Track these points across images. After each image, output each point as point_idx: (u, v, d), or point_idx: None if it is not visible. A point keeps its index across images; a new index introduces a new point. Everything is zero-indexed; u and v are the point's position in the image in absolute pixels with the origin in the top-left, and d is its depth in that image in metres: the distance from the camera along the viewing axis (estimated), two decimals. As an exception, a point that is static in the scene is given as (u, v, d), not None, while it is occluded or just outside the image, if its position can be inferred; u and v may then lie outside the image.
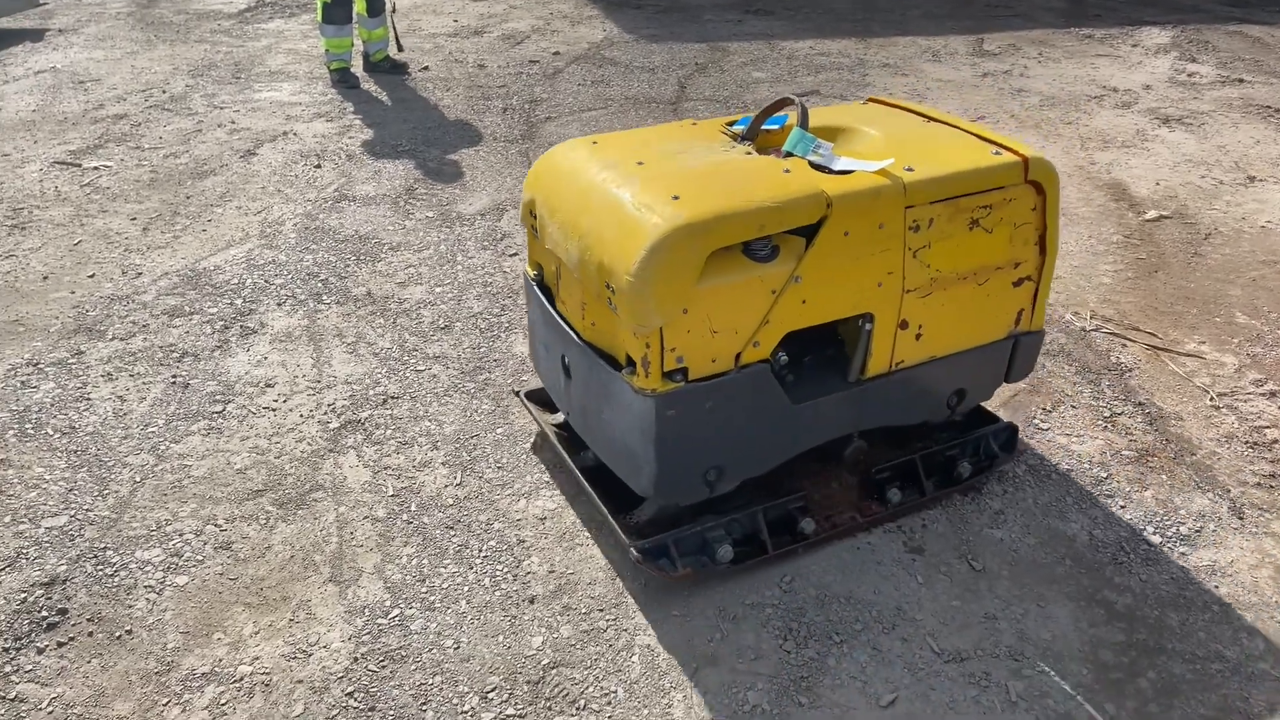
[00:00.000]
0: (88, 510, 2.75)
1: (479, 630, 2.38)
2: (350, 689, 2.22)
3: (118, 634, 2.37)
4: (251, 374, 3.38)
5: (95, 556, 2.59)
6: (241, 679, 2.25)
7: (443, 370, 3.41)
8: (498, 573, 2.55)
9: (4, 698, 2.20)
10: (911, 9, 8.55)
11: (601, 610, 2.43)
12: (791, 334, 2.26)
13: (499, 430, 3.09)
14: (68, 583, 2.51)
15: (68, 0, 8.49)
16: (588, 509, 2.71)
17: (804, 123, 2.37)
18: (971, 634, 2.37)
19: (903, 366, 2.45)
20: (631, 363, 2.19)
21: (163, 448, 3.01)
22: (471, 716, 2.16)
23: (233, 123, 5.76)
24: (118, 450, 3.00)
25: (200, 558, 2.60)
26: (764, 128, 2.51)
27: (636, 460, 2.30)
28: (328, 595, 2.48)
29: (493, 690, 2.22)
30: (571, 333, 2.43)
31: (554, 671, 2.27)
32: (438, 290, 3.93)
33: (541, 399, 2.99)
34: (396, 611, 2.43)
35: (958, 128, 2.57)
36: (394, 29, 6.71)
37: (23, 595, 2.47)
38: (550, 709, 2.18)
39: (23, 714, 2.16)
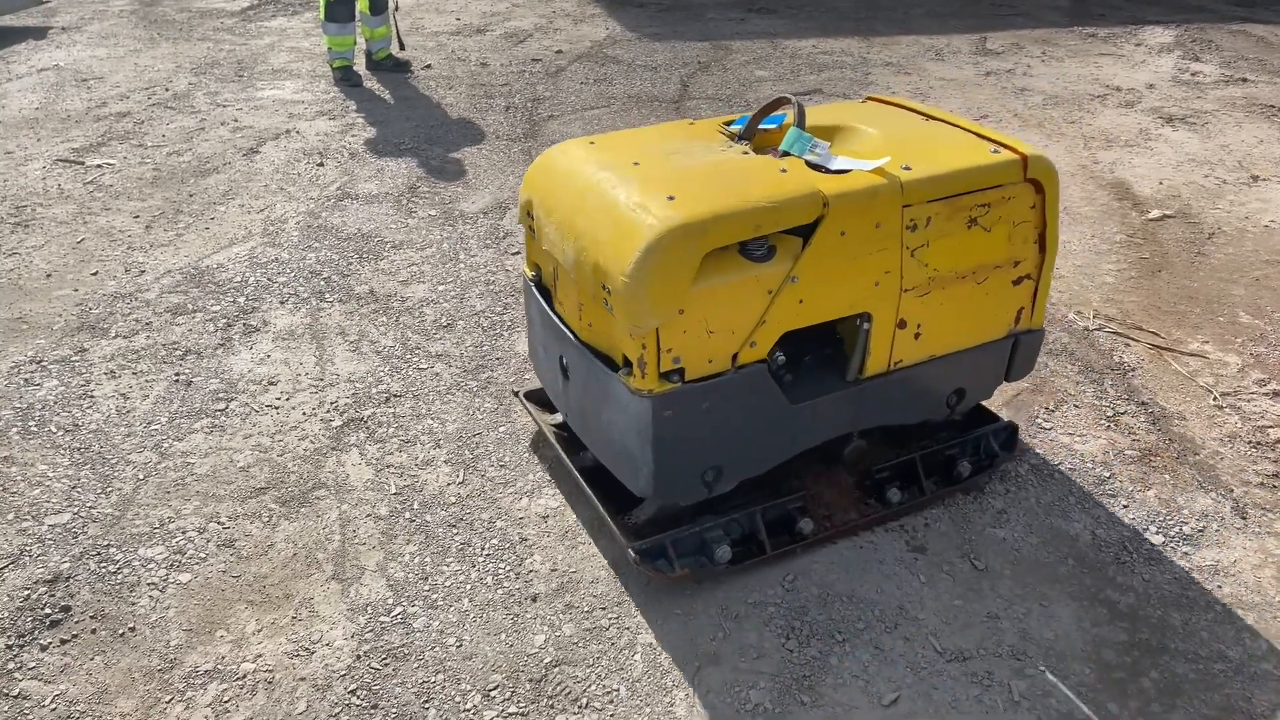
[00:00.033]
0: (91, 508, 2.76)
1: (481, 628, 2.38)
2: (353, 687, 2.23)
3: (121, 631, 2.37)
4: (254, 372, 3.38)
5: (98, 554, 2.60)
6: (244, 676, 2.26)
7: (445, 368, 3.41)
8: (500, 571, 2.55)
9: (7, 695, 2.20)
10: (914, 8, 8.54)
11: (604, 608, 2.43)
12: (790, 334, 2.26)
13: (501, 428, 3.09)
14: (71, 580, 2.51)
15: (71, -2, 8.50)
16: (588, 509, 2.71)
17: (801, 122, 2.36)
18: (974, 633, 2.37)
19: (901, 366, 2.45)
20: (628, 363, 2.19)
21: (166, 445, 3.01)
22: (474, 714, 2.16)
23: (235, 121, 5.76)
24: (121, 448, 3.00)
25: (203, 555, 2.60)
26: (761, 127, 2.50)
27: (634, 461, 2.29)
28: (330, 593, 2.48)
29: (495, 688, 2.22)
30: (569, 333, 2.43)
31: (556, 670, 2.27)
32: (440, 288, 3.93)
33: (541, 399, 2.98)
34: (399, 609, 2.43)
35: (956, 126, 2.56)
36: (396, 27, 6.71)
37: (26, 592, 2.47)
38: (553, 707, 2.18)
39: (26, 711, 2.17)
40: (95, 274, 4.04)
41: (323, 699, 2.20)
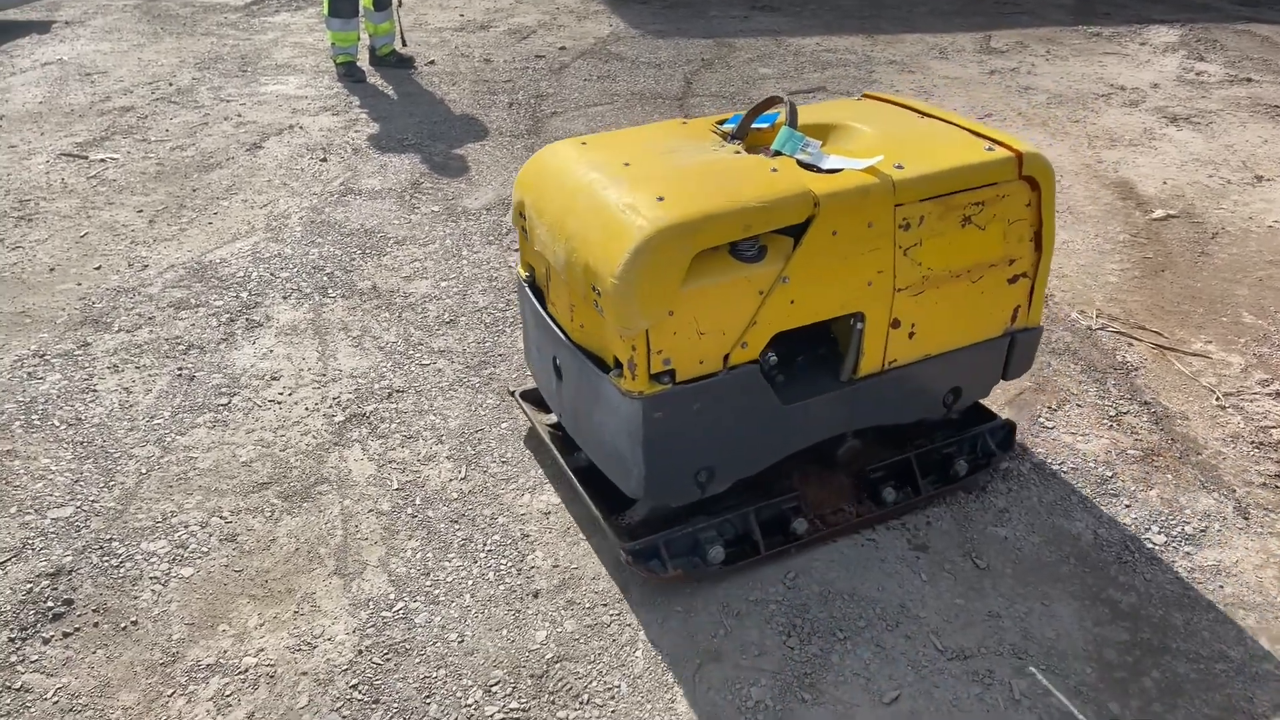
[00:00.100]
0: (94, 501, 2.76)
1: (483, 624, 2.38)
2: (354, 681, 2.23)
3: (123, 625, 2.38)
4: (257, 367, 3.39)
5: (101, 547, 2.60)
6: (246, 671, 2.26)
7: (448, 364, 3.41)
8: (502, 567, 2.55)
9: (10, 687, 2.21)
10: (919, 6, 8.53)
11: (605, 605, 2.44)
12: (783, 334, 2.25)
13: (504, 425, 3.09)
14: (73, 573, 2.52)
15: (75, -8, 8.50)
16: (585, 509, 2.71)
17: (792, 121, 2.35)
18: (975, 632, 2.37)
19: (896, 365, 2.43)
20: (619, 365, 2.18)
21: (168, 440, 3.02)
22: (475, 710, 2.17)
23: (239, 116, 5.76)
24: (124, 442, 3.00)
25: (205, 550, 2.60)
26: (754, 126, 2.48)
27: (625, 462, 2.29)
28: (332, 588, 2.49)
29: (496, 684, 2.23)
30: (561, 334, 2.42)
31: (558, 666, 2.27)
32: (443, 284, 3.93)
33: (537, 399, 2.98)
34: (401, 605, 2.43)
35: (952, 124, 2.55)
36: (400, 23, 6.70)
37: (29, 585, 2.48)
38: (554, 703, 2.18)
39: (28, 704, 2.17)
40: (98, 268, 4.04)
41: (324, 693, 2.20)
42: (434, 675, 2.25)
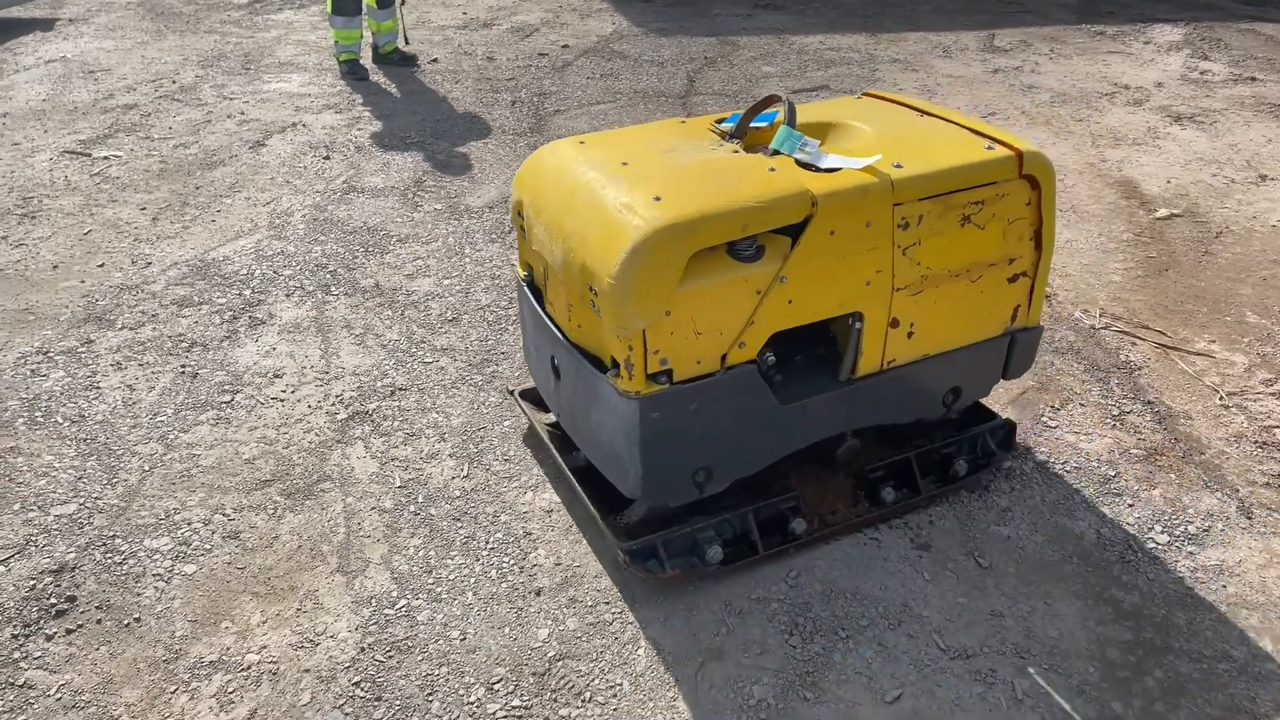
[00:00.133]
0: (97, 498, 2.77)
1: (485, 622, 2.38)
2: (357, 679, 2.23)
3: (126, 622, 2.38)
4: (260, 364, 3.39)
5: (104, 544, 2.60)
6: (249, 668, 2.26)
7: (450, 362, 3.41)
8: (504, 565, 2.55)
9: (13, 684, 2.21)
10: (922, 4, 8.51)
11: (608, 603, 2.44)
12: (782, 333, 2.24)
13: (506, 423, 3.09)
14: (76, 570, 2.52)
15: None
16: (583, 508, 2.71)
17: (791, 120, 2.34)
18: (978, 631, 2.36)
19: (895, 365, 2.43)
20: (616, 365, 2.17)
21: (171, 437, 3.02)
22: (477, 707, 2.17)
23: (242, 114, 5.77)
24: (127, 439, 3.01)
25: (208, 547, 2.61)
26: (753, 125, 2.47)
27: (623, 462, 2.28)
28: (335, 585, 2.49)
29: (499, 682, 2.23)
30: (559, 334, 2.42)
31: (560, 664, 2.28)
32: (446, 282, 3.93)
33: (536, 398, 2.97)
34: (403, 602, 2.44)
35: (952, 122, 2.54)
36: (402, 21, 6.70)
37: (32, 582, 2.48)
38: (556, 701, 2.18)
39: (31, 700, 2.18)
40: (102, 265, 4.05)
41: (327, 690, 2.20)
42: (436, 673, 2.25)
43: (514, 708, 2.17)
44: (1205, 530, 2.69)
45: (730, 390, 2.23)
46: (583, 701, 2.18)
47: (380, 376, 3.33)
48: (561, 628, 2.37)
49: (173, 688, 2.21)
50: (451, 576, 2.52)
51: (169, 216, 4.49)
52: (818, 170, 2.23)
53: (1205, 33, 7.54)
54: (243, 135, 5.44)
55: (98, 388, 3.26)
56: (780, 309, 2.19)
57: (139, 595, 2.45)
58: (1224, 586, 2.50)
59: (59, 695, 2.19)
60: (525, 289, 2.61)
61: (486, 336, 3.56)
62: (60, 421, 3.08)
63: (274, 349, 3.48)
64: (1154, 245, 4.29)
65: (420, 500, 2.77)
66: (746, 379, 2.24)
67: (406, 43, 6.82)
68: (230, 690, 2.21)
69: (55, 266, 4.03)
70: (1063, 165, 5.08)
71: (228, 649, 2.31)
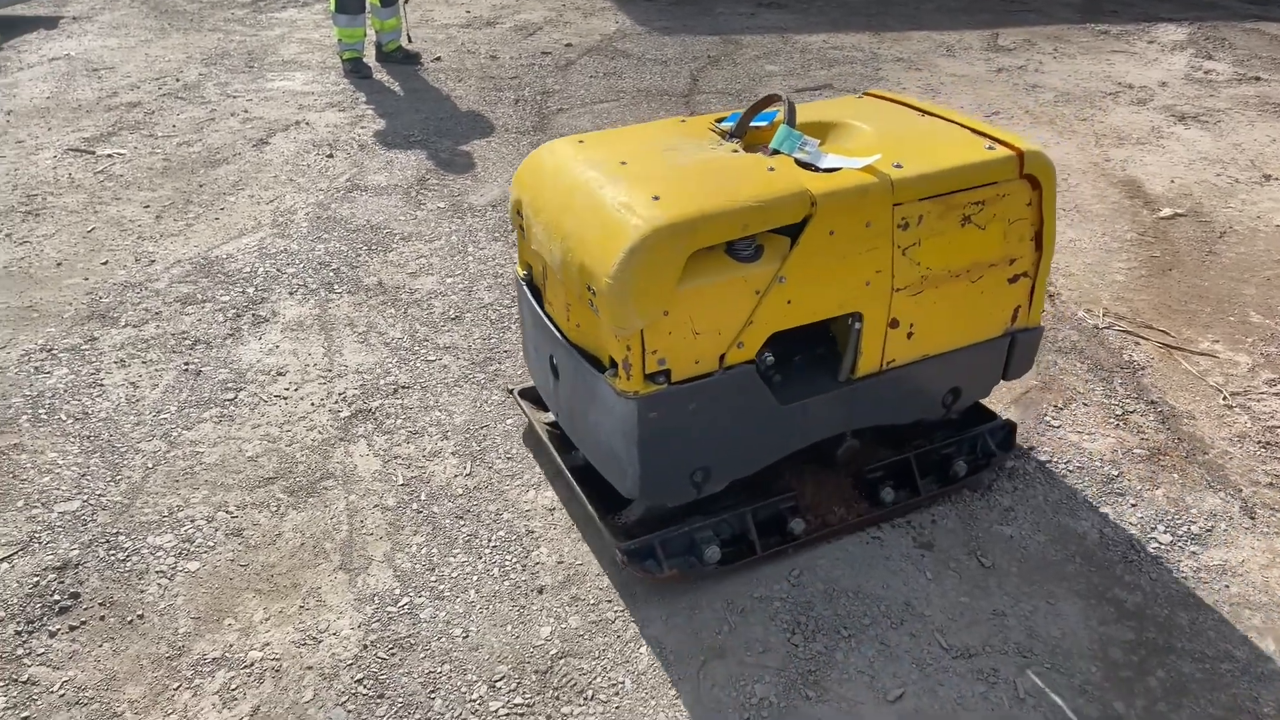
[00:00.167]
0: (100, 495, 2.77)
1: (488, 619, 2.39)
2: (359, 676, 2.23)
3: (129, 618, 2.38)
4: (263, 362, 3.39)
5: (107, 541, 2.61)
6: (252, 664, 2.27)
7: (453, 361, 3.42)
8: (506, 563, 2.55)
9: (16, 680, 2.22)
10: (926, 3, 8.50)
11: (610, 601, 2.44)
12: (781, 333, 2.24)
13: (509, 421, 3.09)
14: (80, 567, 2.53)
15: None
16: (582, 508, 2.70)
17: (791, 119, 2.34)
18: (980, 630, 2.36)
19: (894, 365, 2.42)
20: (614, 364, 2.17)
21: (175, 434, 3.03)
22: (480, 705, 2.17)
23: (246, 112, 5.77)
24: (130, 436, 3.01)
25: (211, 544, 2.61)
26: (753, 124, 2.46)
27: (620, 462, 2.28)
28: (338, 583, 2.49)
29: (501, 679, 2.23)
30: (558, 333, 2.41)
31: (562, 661, 2.28)
32: (449, 281, 3.94)
33: (535, 397, 2.97)
34: (406, 600, 2.44)
35: (953, 122, 2.53)
36: (406, 19, 6.71)
37: (35, 579, 2.49)
38: (558, 699, 2.19)
39: (35, 696, 2.18)
40: (105, 263, 4.05)
41: (329, 688, 2.21)
42: (439, 670, 2.25)
43: (516, 705, 2.17)
44: (1208, 530, 2.68)
45: (728, 390, 2.22)
46: (585, 699, 2.19)
47: (383, 374, 3.33)
48: (564, 626, 2.37)
49: (176, 684, 2.22)
50: (454, 574, 2.52)
51: (172, 214, 4.49)
52: (817, 170, 2.22)
53: (1209, 32, 7.53)
54: (246, 133, 5.44)
55: (101, 385, 3.26)
56: (779, 309, 2.18)
57: (142, 592, 2.46)
58: (1227, 587, 2.50)
59: (62, 692, 2.20)
60: (524, 288, 2.61)
61: (489, 335, 3.56)
62: (64, 419, 3.09)
63: (277, 347, 3.49)
64: (1158, 245, 4.28)
65: (423, 498, 2.78)
66: (745, 379, 2.24)
67: (410, 41, 6.83)
68: (233, 687, 2.21)
69: (59, 264, 4.04)
70: (1066, 165, 5.08)
71: (230, 646, 2.31)
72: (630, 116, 5.80)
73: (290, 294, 3.83)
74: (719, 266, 2.10)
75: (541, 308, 2.52)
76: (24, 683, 2.21)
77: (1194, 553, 2.61)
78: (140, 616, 2.39)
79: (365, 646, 2.31)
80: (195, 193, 4.71)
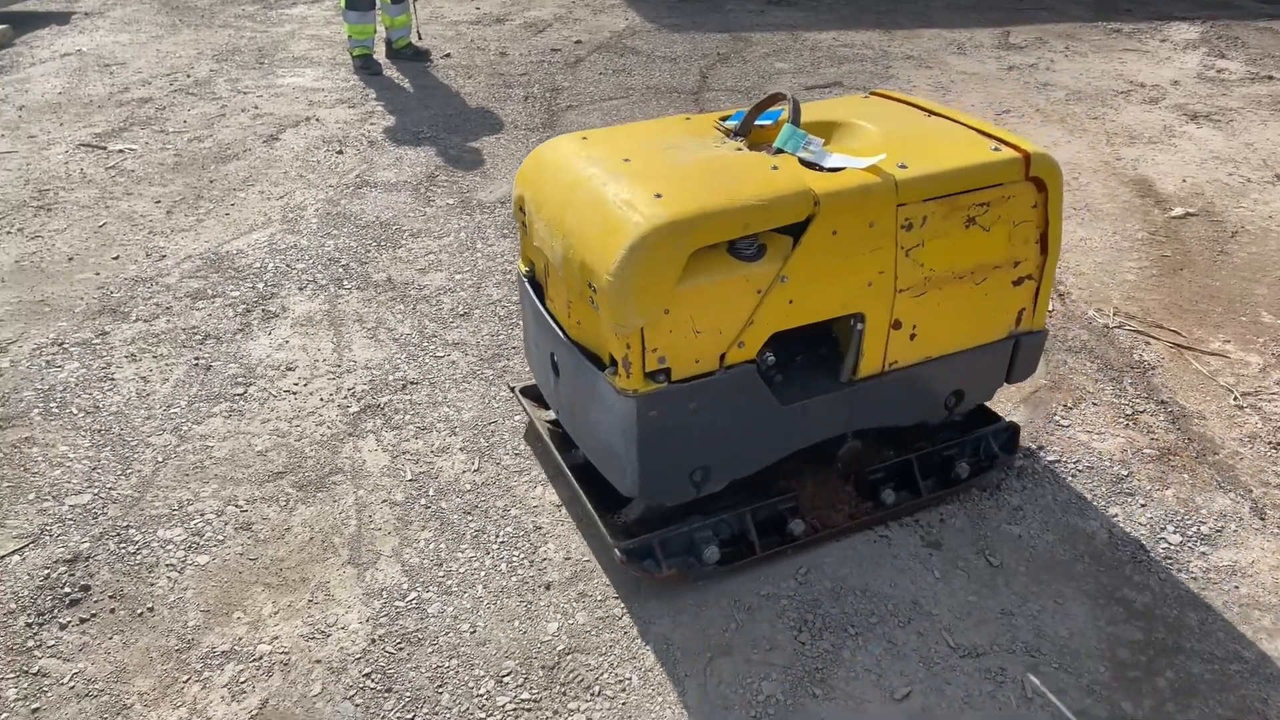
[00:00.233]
0: (111, 489, 2.79)
1: (495, 615, 2.39)
2: (368, 670, 2.24)
3: (139, 611, 2.40)
4: (273, 357, 3.41)
5: (118, 534, 2.62)
6: (261, 658, 2.28)
7: (462, 357, 3.42)
8: (514, 558, 2.56)
9: (27, 672, 2.23)
10: (936, 0, 8.48)
11: (617, 598, 2.44)
12: (784, 333, 2.23)
13: (517, 417, 3.10)
14: (90, 560, 2.54)
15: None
16: (583, 506, 2.70)
17: (795, 119, 2.33)
18: (988, 629, 2.36)
19: (897, 367, 2.40)
20: (614, 362, 2.16)
21: (185, 428, 3.04)
22: (487, 700, 2.17)
23: (256, 108, 5.79)
24: (141, 430, 3.03)
25: (221, 538, 2.62)
26: (757, 123, 2.45)
27: (620, 461, 2.27)
28: (346, 577, 2.50)
29: (508, 674, 2.23)
30: (559, 331, 2.40)
31: (569, 657, 2.28)
32: (457, 277, 3.94)
33: (537, 395, 2.96)
34: (414, 595, 2.45)
35: (959, 123, 2.51)
36: (416, 16, 6.71)
37: (46, 571, 2.50)
38: (565, 694, 2.19)
39: (45, 688, 2.20)
40: (116, 258, 4.07)
41: (337, 681, 2.22)
42: (446, 665, 2.26)
43: (523, 700, 2.18)
44: (1218, 531, 2.67)
45: (729, 390, 2.21)
46: (591, 695, 2.19)
47: (392, 370, 3.34)
48: (571, 622, 2.37)
49: (185, 677, 2.23)
50: (462, 570, 2.52)
51: (183, 210, 4.51)
52: (821, 169, 2.21)
53: (1222, 31, 7.49)
54: (256, 129, 5.46)
55: (112, 379, 3.28)
56: (781, 309, 2.17)
57: (152, 585, 2.47)
58: (1236, 587, 2.49)
59: (72, 683, 2.21)
60: (526, 285, 2.60)
61: (498, 331, 3.57)
62: (75, 412, 3.11)
63: (287, 342, 3.50)
64: (1169, 244, 4.26)
65: (431, 493, 2.78)
66: (745, 379, 2.23)
67: (419, 38, 6.83)
68: (242, 680, 2.22)
69: (70, 259, 4.06)
70: (1077, 163, 5.06)
71: (240, 639, 2.32)
72: (639, 113, 5.80)
73: (300, 289, 3.84)
74: (720, 265, 2.09)
75: (543, 304, 2.51)
76: (34, 674, 2.23)
77: (1203, 553, 2.60)
78: (150, 609, 2.40)
79: (373, 641, 2.32)
80: (206, 188, 4.73)
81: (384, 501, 2.75)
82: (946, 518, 2.70)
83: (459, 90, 6.16)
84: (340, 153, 5.16)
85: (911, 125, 2.51)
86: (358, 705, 2.16)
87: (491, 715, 2.14)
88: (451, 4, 8.23)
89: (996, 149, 2.33)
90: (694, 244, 2.02)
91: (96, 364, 3.36)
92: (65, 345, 3.46)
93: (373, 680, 2.22)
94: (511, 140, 5.36)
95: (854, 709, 2.16)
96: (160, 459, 2.91)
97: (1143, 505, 2.76)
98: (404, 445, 2.98)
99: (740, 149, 2.35)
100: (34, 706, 2.16)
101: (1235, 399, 3.23)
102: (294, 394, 3.21)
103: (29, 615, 2.38)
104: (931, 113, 2.59)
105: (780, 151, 2.29)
